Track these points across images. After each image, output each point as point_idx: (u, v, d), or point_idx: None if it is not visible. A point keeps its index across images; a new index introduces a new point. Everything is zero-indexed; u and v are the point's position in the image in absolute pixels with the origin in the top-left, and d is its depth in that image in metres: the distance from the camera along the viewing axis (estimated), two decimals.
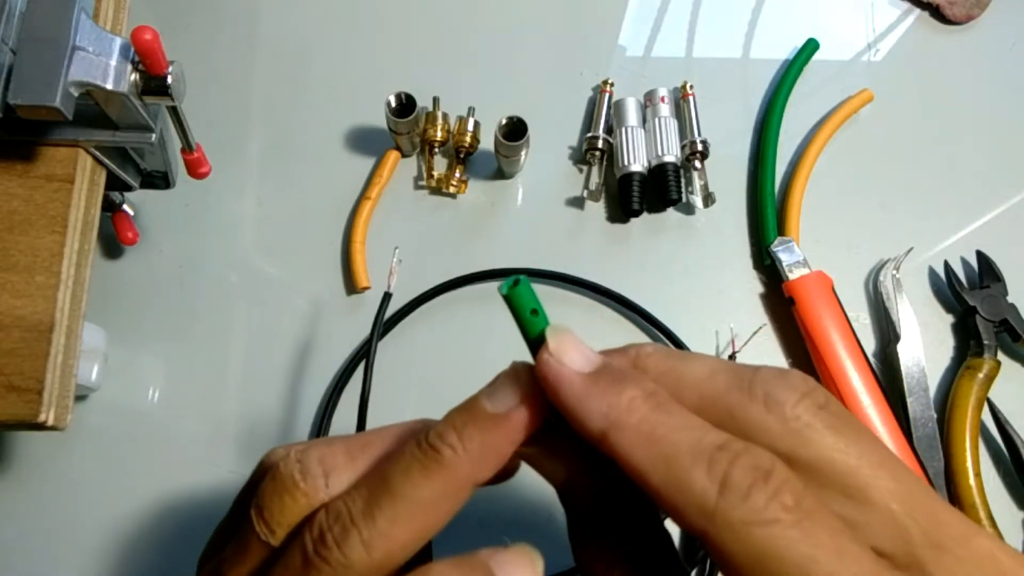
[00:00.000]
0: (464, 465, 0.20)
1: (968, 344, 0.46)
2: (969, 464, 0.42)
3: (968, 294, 0.46)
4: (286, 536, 0.21)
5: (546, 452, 0.22)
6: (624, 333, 0.46)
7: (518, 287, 0.21)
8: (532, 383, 0.20)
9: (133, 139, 0.34)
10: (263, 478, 0.22)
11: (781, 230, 0.48)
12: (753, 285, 0.48)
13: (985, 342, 0.44)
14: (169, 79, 0.31)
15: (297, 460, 0.21)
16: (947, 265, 0.47)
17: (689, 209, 0.49)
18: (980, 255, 0.47)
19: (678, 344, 0.45)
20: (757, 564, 0.17)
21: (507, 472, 0.23)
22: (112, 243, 0.46)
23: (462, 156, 0.48)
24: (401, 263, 0.42)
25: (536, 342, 0.21)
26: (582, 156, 0.50)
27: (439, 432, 0.21)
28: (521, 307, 0.21)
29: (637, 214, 0.48)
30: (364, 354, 0.45)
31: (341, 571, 0.19)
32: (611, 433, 0.19)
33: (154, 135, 0.34)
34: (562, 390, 0.20)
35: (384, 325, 0.45)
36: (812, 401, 0.19)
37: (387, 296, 0.40)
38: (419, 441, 0.20)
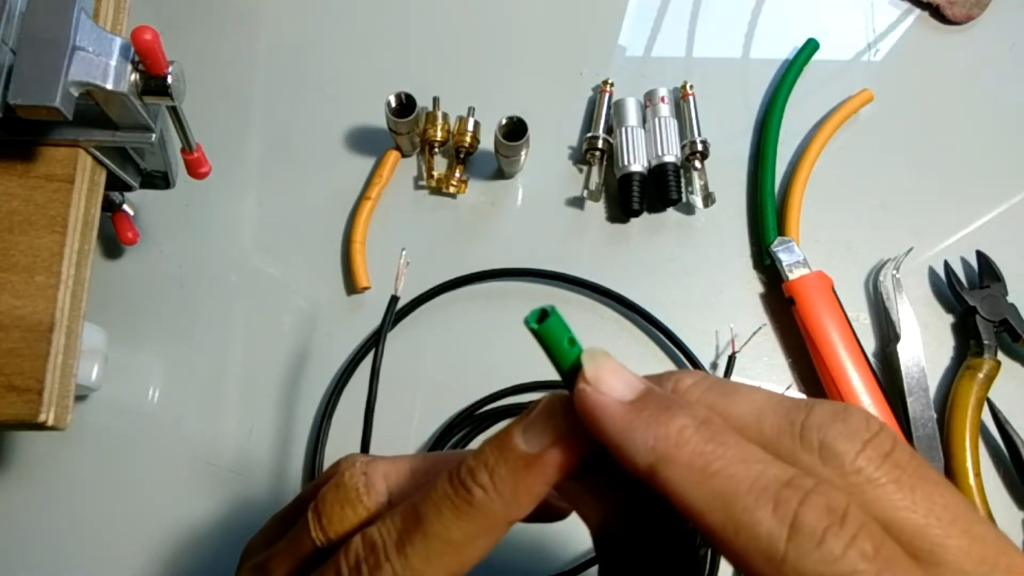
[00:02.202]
0: (496, 506, 0.19)
1: (968, 344, 0.46)
2: (969, 464, 0.42)
3: (968, 294, 0.46)
4: (337, 541, 0.21)
5: (586, 489, 0.21)
6: (624, 333, 0.46)
7: (548, 321, 0.18)
8: (569, 418, 0.19)
9: (133, 139, 0.34)
10: (328, 480, 0.22)
11: (781, 230, 0.48)
12: (753, 285, 0.48)
13: (985, 342, 0.44)
14: (169, 79, 0.31)
15: (363, 472, 0.21)
16: (947, 265, 0.47)
17: (689, 209, 0.49)
18: (980, 255, 0.47)
19: (678, 344, 0.45)
20: None
21: (556, 514, 0.23)
22: (112, 243, 0.46)
23: (462, 156, 0.48)
24: (408, 264, 0.41)
25: (571, 371, 0.19)
26: (582, 156, 0.50)
27: (470, 469, 0.19)
28: (554, 340, 0.19)
29: (637, 214, 0.48)
30: (364, 354, 0.45)
31: None
32: (660, 468, 0.17)
33: (154, 135, 0.34)
34: (604, 422, 0.18)
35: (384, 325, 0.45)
36: (875, 451, 0.17)
37: (394, 299, 0.40)
38: (451, 477, 0.19)
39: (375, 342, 0.40)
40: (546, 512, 0.23)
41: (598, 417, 0.18)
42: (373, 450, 0.41)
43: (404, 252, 0.41)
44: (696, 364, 0.45)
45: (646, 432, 0.18)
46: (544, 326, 0.19)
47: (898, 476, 0.17)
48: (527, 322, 0.19)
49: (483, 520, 0.19)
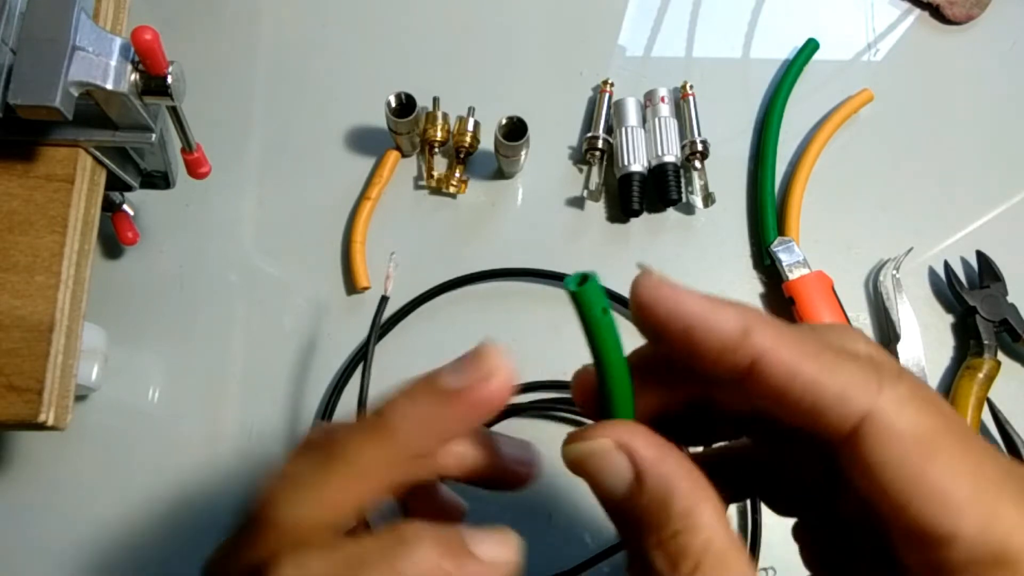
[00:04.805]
0: (406, 434, 0.19)
1: (968, 344, 0.46)
2: None
3: (968, 294, 0.46)
4: None
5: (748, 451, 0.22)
6: (624, 333, 0.46)
7: (587, 285, 0.19)
8: (497, 368, 0.20)
9: (133, 139, 0.34)
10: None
11: (781, 230, 0.48)
12: (753, 285, 0.48)
13: (985, 342, 0.44)
14: (169, 79, 0.31)
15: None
16: (947, 265, 0.47)
17: (689, 209, 0.49)
18: (980, 255, 0.47)
19: None
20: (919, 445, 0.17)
21: (514, 479, 0.23)
22: (112, 243, 0.46)
23: (462, 156, 0.48)
24: (398, 267, 0.42)
25: (599, 339, 0.19)
26: (582, 156, 0.50)
27: (393, 397, 0.20)
28: (588, 305, 0.19)
29: (637, 214, 0.48)
30: (364, 354, 0.44)
31: (272, 530, 0.19)
32: (754, 329, 0.18)
33: (154, 135, 0.34)
34: (687, 302, 0.18)
35: (384, 325, 0.45)
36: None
37: (384, 300, 0.40)
38: (375, 405, 0.20)
39: (367, 343, 0.40)
40: (503, 478, 0.23)
41: (679, 298, 0.18)
42: None
43: (393, 255, 0.41)
44: None
45: (730, 308, 0.18)
46: (582, 289, 0.19)
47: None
48: (567, 284, 0.19)
49: (392, 447, 0.19)
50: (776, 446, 0.23)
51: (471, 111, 0.48)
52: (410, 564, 0.18)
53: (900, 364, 0.19)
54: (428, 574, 0.18)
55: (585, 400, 0.22)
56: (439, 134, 0.48)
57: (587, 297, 0.19)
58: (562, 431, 0.42)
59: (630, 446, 0.19)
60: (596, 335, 0.19)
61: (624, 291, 0.47)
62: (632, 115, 0.49)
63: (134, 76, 0.31)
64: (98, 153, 0.35)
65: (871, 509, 0.18)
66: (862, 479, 0.17)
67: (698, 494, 0.18)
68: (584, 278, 0.19)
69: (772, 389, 0.18)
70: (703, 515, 0.18)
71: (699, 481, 0.18)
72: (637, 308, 0.19)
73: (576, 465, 0.20)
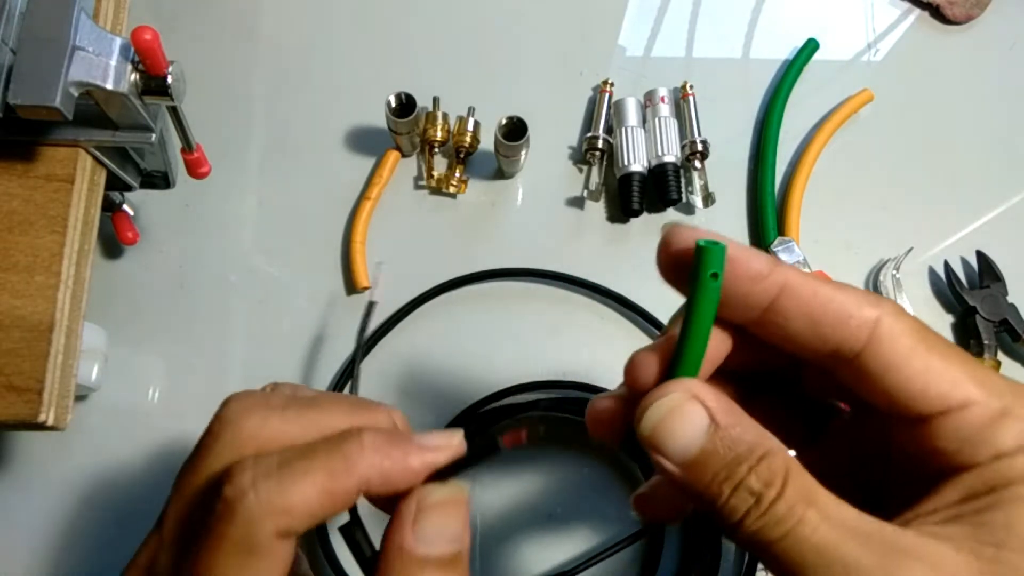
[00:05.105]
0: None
1: (968, 344, 0.46)
2: None
3: (968, 294, 0.46)
4: None
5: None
6: (624, 333, 0.46)
7: (715, 246, 0.20)
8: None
9: (133, 139, 0.34)
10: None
11: (781, 230, 0.48)
12: None
13: (985, 342, 0.44)
14: (169, 79, 0.31)
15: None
16: (947, 265, 0.47)
17: (689, 209, 0.49)
18: (980, 255, 0.47)
19: None
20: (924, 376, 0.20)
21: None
22: (112, 243, 0.46)
23: (462, 156, 0.48)
24: (384, 274, 0.41)
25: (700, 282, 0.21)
26: (582, 156, 0.50)
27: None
28: (708, 264, 0.21)
29: (637, 214, 0.48)
30: (364, 354, 0.45)
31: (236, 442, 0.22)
32: (778, 264, 0.21)
33: (154, 135, 0.34)
34: (723, 240, 0.21)
35: (384, 325, 0.45)
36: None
37: (371, 305, 0.38)
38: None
39: (368, 345, 0.40)
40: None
41: (718, 237, 0.21)
42: None
43: (380, 264, 0.42)
44: None
45: (758, 251, 0.21)
46: (709, 246, 0.20)
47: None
48: (698, 241, 0.21)
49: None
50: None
51: (471, 111, 0.48)
52: (357, 446, 0.20)
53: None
54: (374, 456, 0.20)
55: (601, 430, 0.24)
56: (439, 134, 0.48)
57: (709, 256, 0.20)
58: (562, 431, 0.42)
59: (701, 396, 0.20)
60: (699, 295, 0.21)
61: (624, 291, 0.47)
62: (632, 115, 0.49)
63: (134, 76, 0.31)
64: (98, 153, 0.35)
65: (889, 419, 0.21)
66: (883, 379, 0.20)
67: (763, 430, 0.20)
68: (715, 243, 0.21)
69: (799, 306, 0.21)
70: (775, 442, 0.20)
71: (757, 422, 0.21)
72: (677, 252, 0.21)
73: (655, 427, 0.21)
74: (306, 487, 0.20)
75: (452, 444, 0.22)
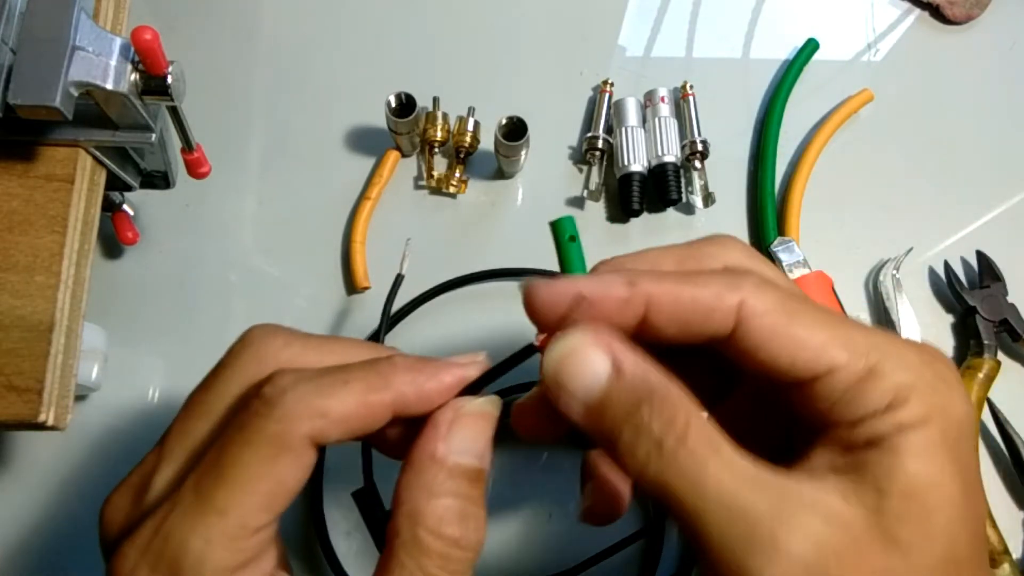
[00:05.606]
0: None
1: (968, 344, 0.46)
2: None
3: (968, 294, 0.46)
4: None
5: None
6: None
7: (561, 218, 0.26)
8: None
9: (133, 139, 0.34)
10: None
11: (781, 230, 0.48)
12: None
13: (985, 342, 0.44)
14: (169, 79, 0.31)
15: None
16: (947, 265, 0.47)
17: (689, 209, 0.49)
18: (980, 255, 0.47)
19: None
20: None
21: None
22: (112, 243, 0.46)
23: (462, 156, 0.48)
24: (411, 252, 0.42)
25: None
26: (582, 156, 0.50)
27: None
28: (562, 231, 0.27)
29: (637, 214, 0.48)
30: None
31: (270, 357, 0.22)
32: (640, 278, 0.21)
33: (154, 135, 0.34)
34: (578, 283, 0.22)
35: (384, 325, 0.45)
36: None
37: (399, 278, 0.41)
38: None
39: (381, 324, 0.40)
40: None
41: (573, 282, 0.22)
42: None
43: (409, 241, 0.42)
44: None
45: (617, 273, 0.22)
46: (557, 220, 0.26)
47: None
48: (550, 222, 0.28)
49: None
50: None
51: (471, 111, 0.48)
52: (390, 365, 0.21)
53: (756, 266, 0.23)
54: (407, 373, 0.21)
55: (528, 424, 0.24)
56: (439, 134, 0.48)
57: (561, 226, 0.27)
58: None
59: (605, 339, 0.20)
60: (567, 256, 0.27)
61: None
62: (632, 115, 0.49)
63: (134, 76, 0.31)
64: (98, 153, 0.35)
65: (774, 392, 0.21)
66: (755, 356, 0.20)
67: (672, 381, 0.20)
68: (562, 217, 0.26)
69: (666, 316, 0.21)
70: (677, 390, 0.20)
71: (667, 374, 0.20)
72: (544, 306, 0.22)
73: (557, 368, 0.21)
74: (345, 395, 0.20)
75: (479, 360, 0.23)
